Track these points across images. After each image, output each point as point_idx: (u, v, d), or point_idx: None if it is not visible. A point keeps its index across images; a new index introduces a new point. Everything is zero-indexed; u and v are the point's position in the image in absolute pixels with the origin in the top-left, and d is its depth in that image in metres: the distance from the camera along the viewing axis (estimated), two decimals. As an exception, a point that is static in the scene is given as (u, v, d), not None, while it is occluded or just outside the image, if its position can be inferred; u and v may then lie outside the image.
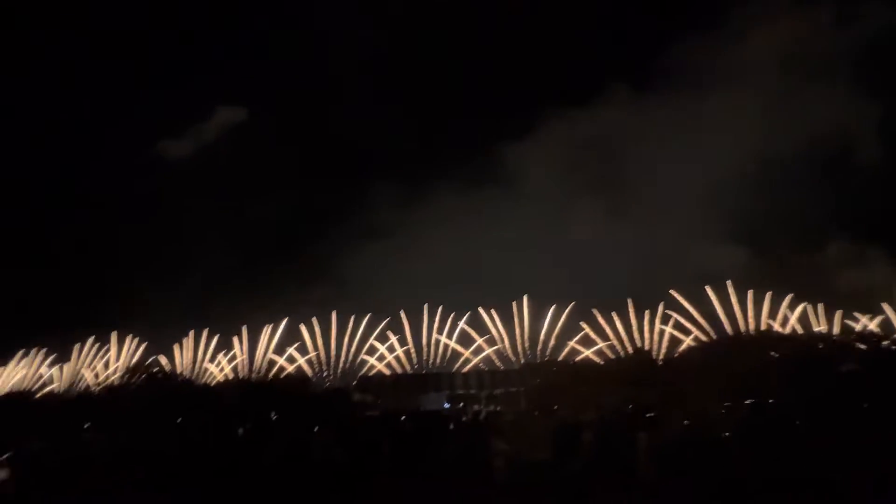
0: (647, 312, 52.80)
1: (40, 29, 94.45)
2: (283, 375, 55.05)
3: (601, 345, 52.38)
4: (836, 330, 46.96)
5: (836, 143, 56.55)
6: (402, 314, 57.28)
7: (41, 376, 63.59)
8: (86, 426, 33.42)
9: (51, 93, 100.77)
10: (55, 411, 40.37)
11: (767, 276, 52.29)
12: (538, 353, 53.78)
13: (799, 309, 48.80)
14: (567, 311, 54.19)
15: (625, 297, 53.75)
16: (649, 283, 54.26)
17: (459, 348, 56.12)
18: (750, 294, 49.52)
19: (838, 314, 47.33)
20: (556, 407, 38.07)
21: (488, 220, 68.09)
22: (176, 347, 60.78)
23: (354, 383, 54.48)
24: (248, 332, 61.09)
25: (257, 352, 60.43)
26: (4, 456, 14.80)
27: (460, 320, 57.22)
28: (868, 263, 49.88)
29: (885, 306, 46.47)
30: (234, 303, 65.34)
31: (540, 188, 67.99)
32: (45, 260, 79.82)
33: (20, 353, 64.08)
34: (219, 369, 60.29)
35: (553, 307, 54.60)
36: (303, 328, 60.23)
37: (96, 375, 60.45)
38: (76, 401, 46.11)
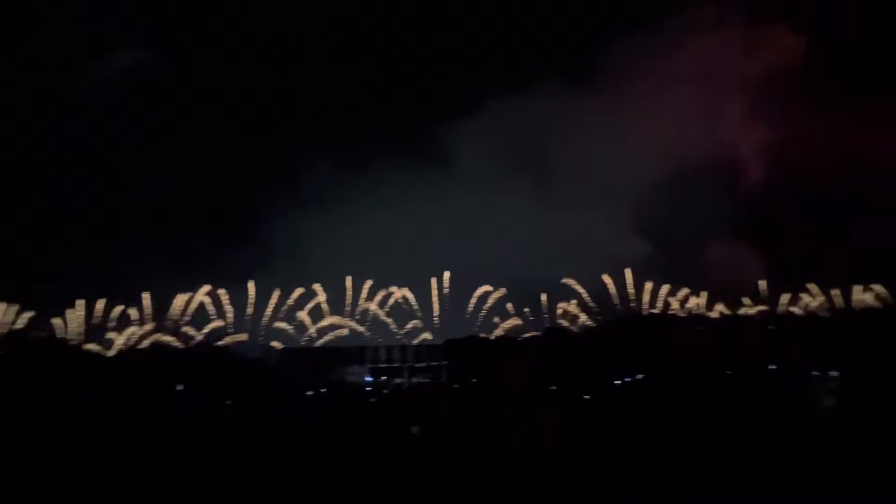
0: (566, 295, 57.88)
1: None
2: (193, 344, 52.38)
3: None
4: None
5: (733, 156, 64.08)
6: (319, 288, 57.02)
7: None
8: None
9: None
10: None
11: (666, 268, 58.91)
12: (462, 329, 56.10)
13: (693, 301, 55.71)
14: (494, 295, 57.15)
15: (545, 279, 57.86)
16: (565, 268, 58.75)
17: (387, 319, 57.20)
18: (648, 286, 56.20)
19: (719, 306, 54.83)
20: (474, 380, 40.41)
21: (423, 195, 68.12)
22: (65, 317, 54.31)
23: (275, 355, 53.34)
24: (162, 301, 56.88)
25: (169, 321, 56.62)
26: None
27: (388, 294, 58.07)
28: (744, 261, 58.21)
29: (746, 300, 54.76)
30: (142, 269, 59.49)
31: (475, 169, 69.09)
32: None
33: None
34: (121, 340, 55.44)
35: (480, 291, 57.38)
36: (223, 296, 57.37)
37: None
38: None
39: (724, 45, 64.75)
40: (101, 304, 54.26)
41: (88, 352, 47.87)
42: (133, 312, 56.38)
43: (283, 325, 57.13)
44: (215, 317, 56.95)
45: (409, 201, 69.14)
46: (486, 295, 58.17)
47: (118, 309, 55.10)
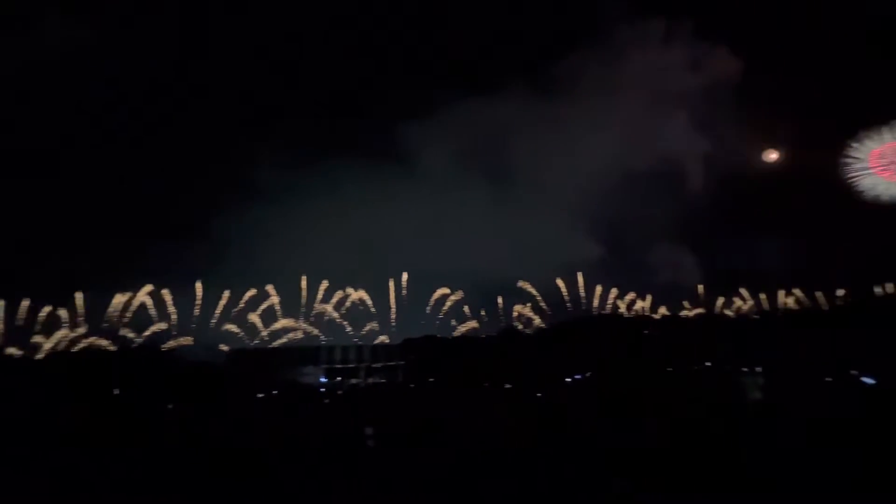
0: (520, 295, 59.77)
1: None
2: (134, 347, 49.23)
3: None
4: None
5: (675, 166, 68.17)
6: (272, 289, 55.53)
7: None
8: None
9: None
10: None
11: (616, 270, 62.10)
12: (419, 330, 56.25)
13: (639, 304, 59.07)
14: (452, 297, 57.91)
15: (502, 279, 59.40)
16: (522, 268, 60.50)
17: (343, 322, 56.55)
18: (598, 289, 59.15)
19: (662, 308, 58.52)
20: (431, 380, 40.59)
21: (380, 193, 67.58)
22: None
23: (224, 357, 51.18)
24: (98, 302, 52.86)
25: (106, 323, 52.81)
26: None
27: (344, 296, 57.49)
28: (685, 267, 62.52)
29: (685, 303, 58.74)
30: (76, 268, 54.77)
31: (434, 170, 69.37)
32: None
33: None
34: (49, 344, 50.90)
35: (437, 293, 57.93)
36: (166, 296, 54.31)
37: None
38: None
39: (672, 59, 68.91)
40: (25, 305, 50.24)
41: (10, 356, 43.89)
42: (63, 314, 52.67)
43: (232, 327, 55.04)
44: (158, 319, 54.05)
45: (369, 201, 68.48)
46: (444, 297, 58.89)
47: (46, 310, 51.33)
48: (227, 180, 70.70)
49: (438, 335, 54.10)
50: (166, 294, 54.28)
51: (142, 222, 64.07)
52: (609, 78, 69.53)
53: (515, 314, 58.44)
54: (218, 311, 54.96)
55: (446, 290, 58.99)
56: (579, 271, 60.22)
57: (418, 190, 67.18)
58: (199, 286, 54.79)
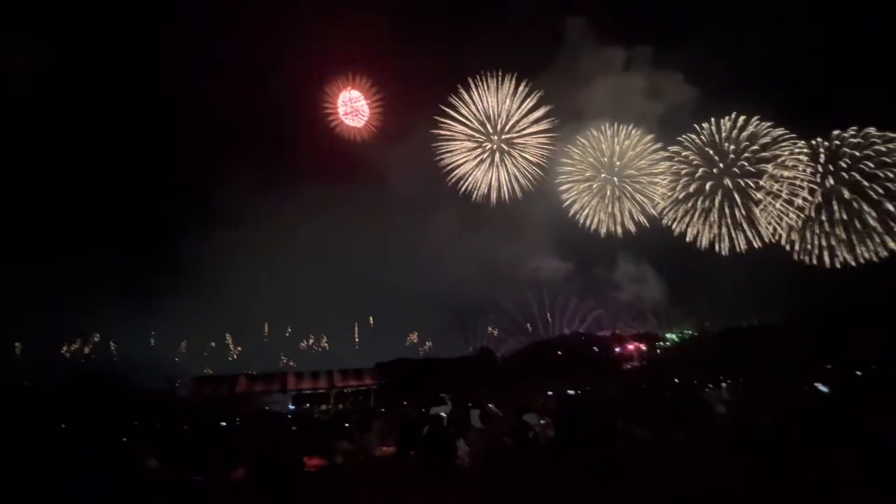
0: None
1: None
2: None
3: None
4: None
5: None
6: (230, 337, 54.36)
7: None
8: None
9: None
10: None
11: (582, 288, 63.34)
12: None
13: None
14: (426, 345, 57.86)
15: (472, 301, 59.69)
16: (492, 287, 60.98)
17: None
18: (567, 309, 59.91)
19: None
20: (405, 402, 39.39)
21: (351, 217, 66.74)
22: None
23: (180, 383, 48.46)
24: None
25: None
26: None
27: (310, 343, 56.68)
28: (647, 283, 64.00)
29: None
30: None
31: (405, 193, 69.02)
32: None
33: None
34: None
35: (408, 340, 57.64)
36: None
37: None
38: None
39: (631, 86, 71.25)
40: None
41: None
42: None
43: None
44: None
45: (335, 221, 67.42)
46: (415, 344, 59.07)
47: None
48: (194, 207, 68.56)
49: (411, 357, 53.32)
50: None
51: (97, 247, 61.05)
52: (572, 103, 71.41)
53: (489, 332, 58.52)
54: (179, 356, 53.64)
55: (413, 338, 59.21)
56: (548, 288, 61.17)
57: (394, 213, 66.89)
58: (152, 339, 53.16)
